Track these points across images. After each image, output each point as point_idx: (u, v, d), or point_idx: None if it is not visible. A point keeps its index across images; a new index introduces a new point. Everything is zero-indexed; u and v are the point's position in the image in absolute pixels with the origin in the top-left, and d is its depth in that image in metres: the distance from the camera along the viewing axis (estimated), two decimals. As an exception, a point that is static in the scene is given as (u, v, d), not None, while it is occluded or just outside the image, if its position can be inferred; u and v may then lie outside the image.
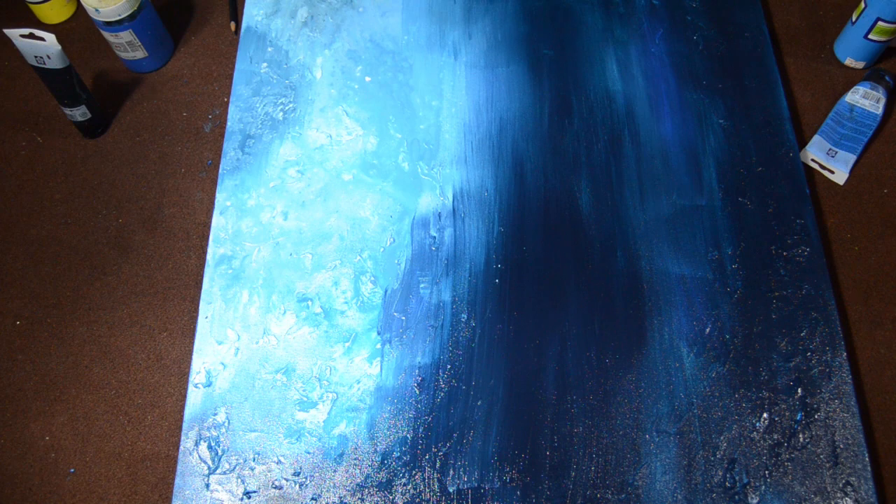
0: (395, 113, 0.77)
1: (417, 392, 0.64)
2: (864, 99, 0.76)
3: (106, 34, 0.78)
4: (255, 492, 0.61)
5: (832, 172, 0.75)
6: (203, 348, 0.66)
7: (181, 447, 0.62)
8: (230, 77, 0.80)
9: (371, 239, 0.71)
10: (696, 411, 0.63)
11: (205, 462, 0.62)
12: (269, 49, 0.81)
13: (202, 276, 0.70)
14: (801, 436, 0.62)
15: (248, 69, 0.80)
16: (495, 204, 0.72)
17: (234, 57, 0.82)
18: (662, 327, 0.66)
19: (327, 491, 0.61)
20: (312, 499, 0.61)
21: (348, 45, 0.81)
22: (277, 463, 0.62)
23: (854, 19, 0.78)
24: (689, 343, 0.65)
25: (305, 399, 0.64)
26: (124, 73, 0.83)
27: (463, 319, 0.67)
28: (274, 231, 0.71)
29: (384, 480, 0.61)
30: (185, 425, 0.63)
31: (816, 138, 0.76)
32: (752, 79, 0.78)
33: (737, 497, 0.60)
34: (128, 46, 0.79)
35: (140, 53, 0.81)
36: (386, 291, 0.68)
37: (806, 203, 0.71)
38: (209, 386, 0.65)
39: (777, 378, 0.64)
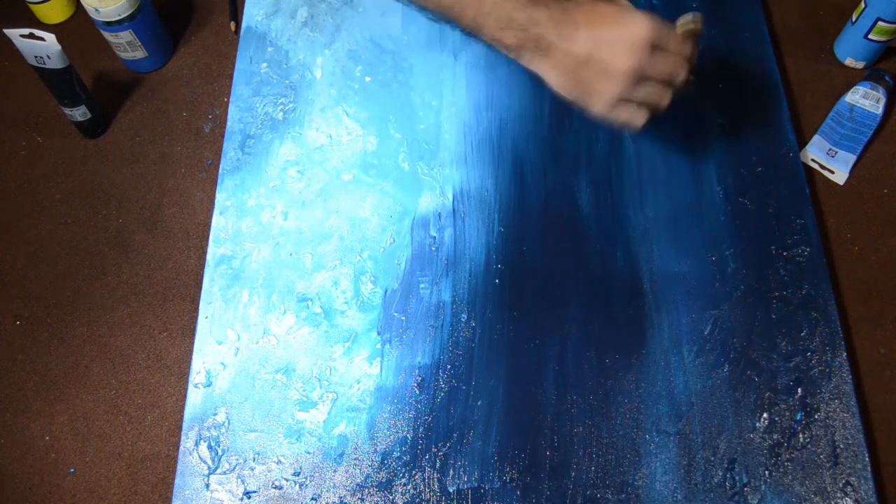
0: (395, 113, 0.77)
1: (417, 392, 0.64)
2: (864, 99, 0.76)
3: (106, 34, 0.78)
4: (255, 492, 0.61)
5: (832, 172, 0.75)
6: (203, 348, 0.66)
7: (181, 447, 0.62)
8: (230, 77, 0.80)
9: (371, 239, 0.71)
10: (696, 411, 0.63)
11: (205, 462, 0.62)
12: (269, 49, 0.81)
13: (202, 276, 0.70)
14: (801, 436, 0.62)
15: (248, 69, 0.80)
16: (495, 204, 0.72)
17: (234, 57, 0.82)
18: (662, 327, 0.66)
19: (327, 491, 0.61)
20: (312, 499, 0.61)
21: (348, 45, 0.81)
22: (277, 463, 0.62)
23: (854, 19, 0.78)
24: (689, 343, 0.65)
25: (305, 399, 0.64)
26: (124, 73, 0.83)
27: (463, 319, 0.67)
28: (274, 231, 0.71)
29: (384, 480, 0.61)
30: (185, 425, 0.63)
31: (816, 138, 0.76)
32: (752, 79, 0.78)
33: (737, 497, 0.60)
34: (128, 46, 0.79)
35: (140, 53, 0.81)
36: (386, 291, 0.68)
37: (806, 203, 0.71)
38: (209, 386, 0.65)
39: (777, 378, 0.64)
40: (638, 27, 0.56)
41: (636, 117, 0.60)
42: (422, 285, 0.68)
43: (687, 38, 0.60)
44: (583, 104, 0.60)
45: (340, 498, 0.61)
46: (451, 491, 0.60)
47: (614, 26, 0.56)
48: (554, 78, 0.60)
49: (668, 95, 0.59)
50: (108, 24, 0.77)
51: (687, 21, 0.59)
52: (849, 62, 0.81)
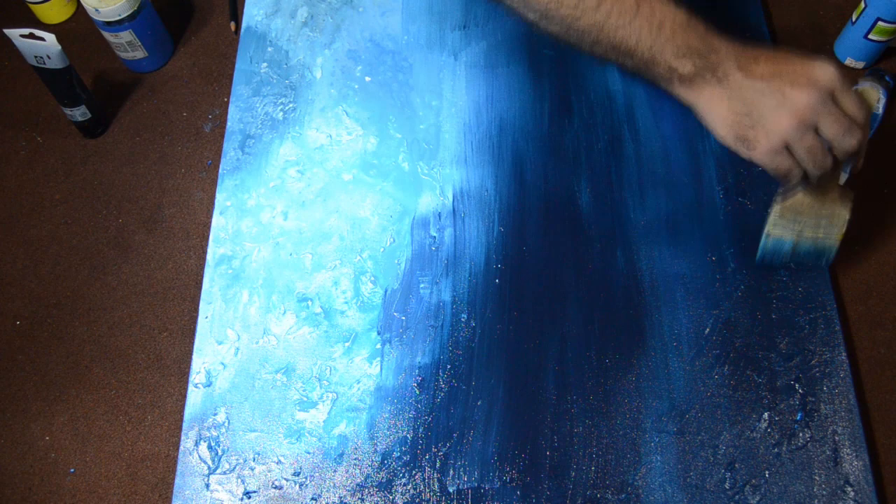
0: (395, 113, 0.77)
1: (417, 392, 0.64)
2: (864, 99, 0.76)
3: (106, 34, 0.78)
4: (255, 492, 0.61)
5: (832, 172, 0.75)
6: (203, 348, 0.66)
7: (181, 447, 0.62)
8: (230, 77, 0.80)
9: (371, 239, 0.71)
10: (696, 411, 0.63)
11: (205, 462, 0.62)
12: (269, 49, 0.81)
13: (202, 276, 0.70)
14: (801, 436, 0.62)
15: (248, 69, 0.80)
16: (495, 204, 0.72)
17: (234, 57, 0.82)
18: (662, 327, 0.66)
19: (327, 491, 0.61)
20: (312, 499, 0.61)
21: (348, 45, 0.81)
22: (277, 463, 0.62)
23: (854, 19, 0.78)
24: (689, 343, 0.65)
25: (305, 399, 0.64)
26: (124, 73, 0.83)
27: (463, 319, 0.67)
28: (274, 231, 0.71)
29: (384, 480, 0.61)
30: (185, 425, 0.63)
31: (816, 138, 0.76)
32: (752, 79, 0.78)
33: (737, 497, 0.60)
34: (128, 46, 0.79)
35: (140, 53, 0.81)
36: (386, 291, 0.68)
37: (806, 203, 0.71)
38: (209, 386, 0.65)
39: (777, 378, 0.64)
40: (824, 68, 0.54)
41: (792, 174, 0.57)
42: (422, 285, 0.68)
43: (863, 104, 0.56)
44: (745, 145, 0.57)
45: (340, 498, 0.61)
46: (451, 491, 0.60)
47: (797, 65, 0.55)
48: (721, 112, 0.57)
49: (827, 162, 0.56)
50: (108, 24, 0.77)
51: (866, 88, 0.54)
52: (849, 62, 0.81)
